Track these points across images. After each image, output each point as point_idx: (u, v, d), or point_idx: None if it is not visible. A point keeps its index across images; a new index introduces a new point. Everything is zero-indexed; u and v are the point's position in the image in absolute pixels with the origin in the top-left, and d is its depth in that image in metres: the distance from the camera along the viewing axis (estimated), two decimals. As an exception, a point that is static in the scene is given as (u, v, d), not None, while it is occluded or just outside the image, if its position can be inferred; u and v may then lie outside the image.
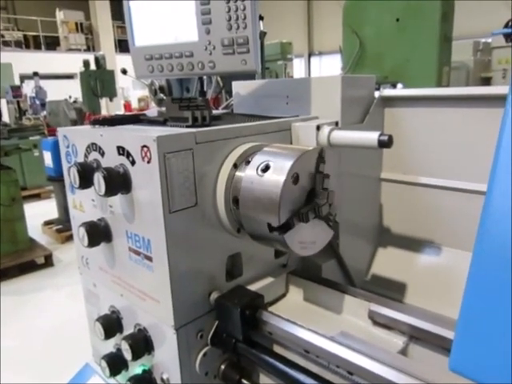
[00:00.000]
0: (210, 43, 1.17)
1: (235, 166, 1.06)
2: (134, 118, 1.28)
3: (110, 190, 1.00)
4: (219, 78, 1.71)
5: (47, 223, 5.57)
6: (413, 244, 1.48)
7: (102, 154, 1.10)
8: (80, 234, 1.13)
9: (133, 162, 1.00)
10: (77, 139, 1.20)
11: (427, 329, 0.98)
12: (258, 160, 1.00)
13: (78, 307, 2.05)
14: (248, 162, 1.03)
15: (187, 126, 1.07)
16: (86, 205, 1.23)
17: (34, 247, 4.67)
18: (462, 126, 1.31)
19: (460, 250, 1.38)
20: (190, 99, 1.12)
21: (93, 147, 1.13)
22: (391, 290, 1.46)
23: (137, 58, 1.31)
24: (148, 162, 0.95)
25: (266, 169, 0.95)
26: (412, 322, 1.01)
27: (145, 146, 0.95)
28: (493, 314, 0.49)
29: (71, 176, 1.07)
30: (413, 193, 1.46)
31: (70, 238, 5.16)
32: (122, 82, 12.62)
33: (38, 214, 5.75)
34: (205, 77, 1.37)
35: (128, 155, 1.01)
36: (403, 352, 1.01)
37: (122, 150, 1.02)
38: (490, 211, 0.53)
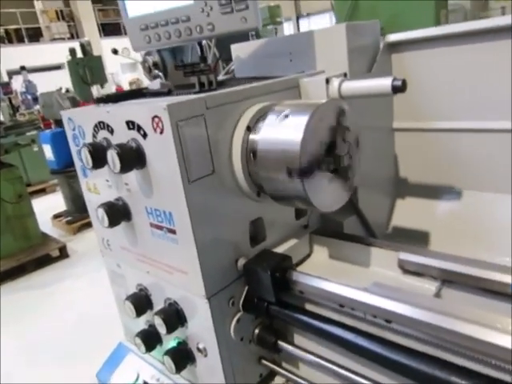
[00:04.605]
0: (206, 4, 1.12)
1: (248, 129, 1.03)
2: (138, 93, 1.24)
3: (125, 167, 0.98)
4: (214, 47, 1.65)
5: (56, 216, 5.59)
6: (432, 192, 1.46)
7: (111, 132, 1.07)
8: (99, 215, 1.11)
9: (144, 135, 0.97)
10: (83, 120, 1.17)
11: (460, 271, 0.97)
12: (273, 117, 0.97)
13: (102, 292, 2.08)
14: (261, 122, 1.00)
15: (195, 93, 1.03)
16: (101, 186, 1.22)
17: (47, 241, 4.70)
18: (475, 63, 1.26)
19: (482, 191, 1.35)
20: (194, 65, 1.08)
21: (100, 126, 1.10)
22: (414, 241, 1.44)
23: (132, 30, 1.27)
24: (161, 133, 0.92)
25: (285, 118, 0.93)
26: (443, 265, 1.00)
27: (156, 117, 0.92)
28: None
29: (83, 158, 1.05)
30: (427, 139, 1.42)
31: (81, 228, 5.18)
32: (110, 67, 12.39)
33: (45, 208, 5.75)
34: (204, 41, 1.32)
35: (139, 128, 0.98)
36: (437, 297, 1.01)
37: (131, 125, 0.99)
38: None
